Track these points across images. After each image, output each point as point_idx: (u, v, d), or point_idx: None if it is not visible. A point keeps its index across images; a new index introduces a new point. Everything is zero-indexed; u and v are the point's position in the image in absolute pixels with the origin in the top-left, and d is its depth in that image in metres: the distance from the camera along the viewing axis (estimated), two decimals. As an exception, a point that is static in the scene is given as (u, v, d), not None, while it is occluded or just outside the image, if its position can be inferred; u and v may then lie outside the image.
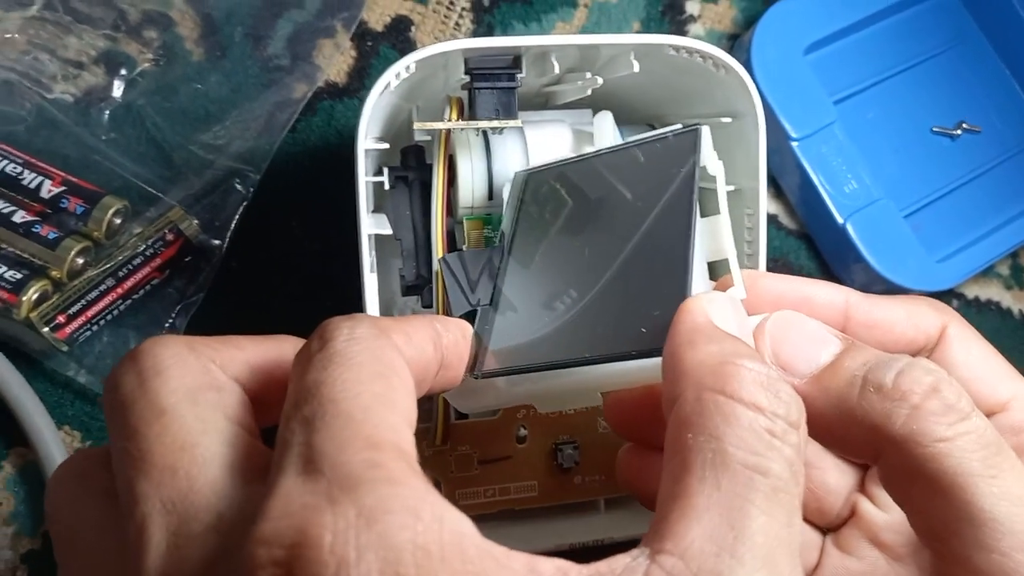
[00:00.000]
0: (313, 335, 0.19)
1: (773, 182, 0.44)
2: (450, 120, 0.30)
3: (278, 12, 0.40)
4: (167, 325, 0.37)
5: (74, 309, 0.34)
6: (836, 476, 0.26)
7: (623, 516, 0.34)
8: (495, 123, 0.30)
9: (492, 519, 0.33)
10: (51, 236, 0.35)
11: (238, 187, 0.37)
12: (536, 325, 0.25)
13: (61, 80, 0.39)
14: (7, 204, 0.35)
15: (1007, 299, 0.46)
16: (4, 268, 0.34)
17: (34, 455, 0.35)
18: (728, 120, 0.32)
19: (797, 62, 0.42)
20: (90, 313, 0.35)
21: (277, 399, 0.20)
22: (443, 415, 0.32)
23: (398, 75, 0.28)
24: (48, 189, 0.35)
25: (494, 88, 0.30)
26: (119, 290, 0.35)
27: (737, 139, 0.32)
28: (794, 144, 0.41)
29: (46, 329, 0.34)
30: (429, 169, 0.31)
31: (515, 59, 0.30)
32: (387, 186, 0.31)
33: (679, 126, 0.26)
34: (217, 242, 0.37)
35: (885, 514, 0.26)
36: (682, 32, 0.44)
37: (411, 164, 0.32)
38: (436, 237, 0.30)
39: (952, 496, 0.19)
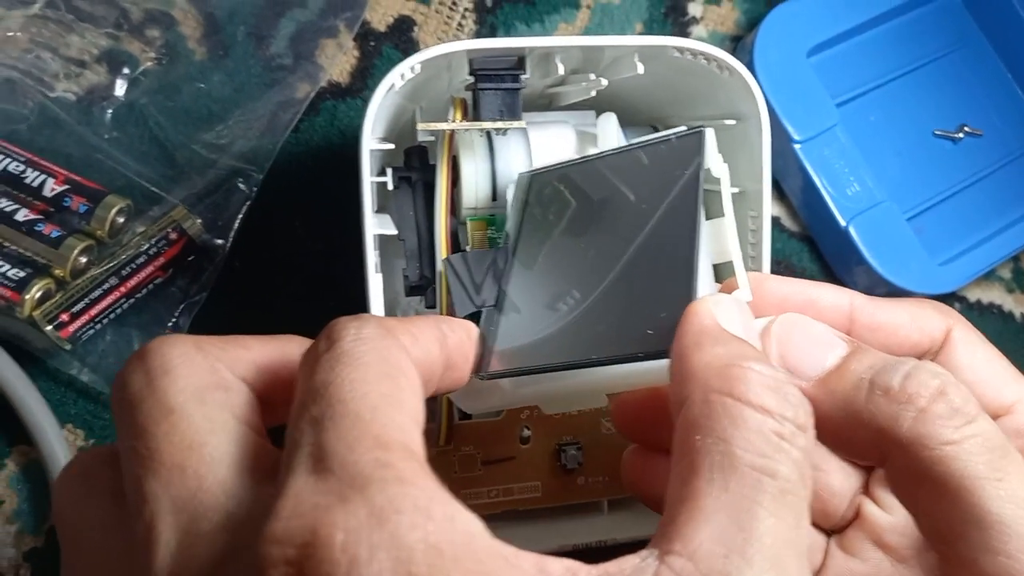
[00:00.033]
0: (320, 335, 0.19)
1: (775, 184, 0.44)
2: (454, 121, 0.30)
3: (281, 11, 0.40)
4: (170, 324, 0.37)
5: (77, 308, 0.34)
6: (840, 478, 0.26)
7: (626, 517, 0.34)
8: (499, 124, 0.30)
9: (495, 520, 0.33)
10: (54, 235, 0.35)
11: (241, 187, 0.37)
12: (541, 326, 0.25)
13: (63, 79, 0.39)
14: (10, 202, 0.35)
15: (1009, 302, 0.46)
16: (7, 266, 0.34)
17: (37, 453, 0.35)
18: (732, 122, 0.32)
19: (800, 64, 0.42)
20: (93, 312, 0.35)
21: (283, 399, 0.20)
22: (447, 416, 0.32)
23: (403, 76, 0.28)
24: (51, 188, 0.35)
25: (498, 89, 0.30)
26: (122, 289, 0.35)
27: (741, 141, 0.32)
28: (797, 146, 0.42)
29: (49, 327, 0.34)
30: (432, 170, 0.31)
31: (519, 60, 0.30)
32: (391, 186, 0.31)
33: (683, 128, 0.26)
34: (220, 241, 0.37)
35: (889, 516, 0.26)
36: (684, 34, 0.44)
37: (415, 165, 0.32)
38: (440, 238, 0.30)
39: (959, 499, 0.20)
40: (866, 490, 0.27)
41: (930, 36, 0.46)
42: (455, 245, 0.31)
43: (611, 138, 0.31)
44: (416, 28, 0.41)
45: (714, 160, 0.25)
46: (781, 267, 0.44)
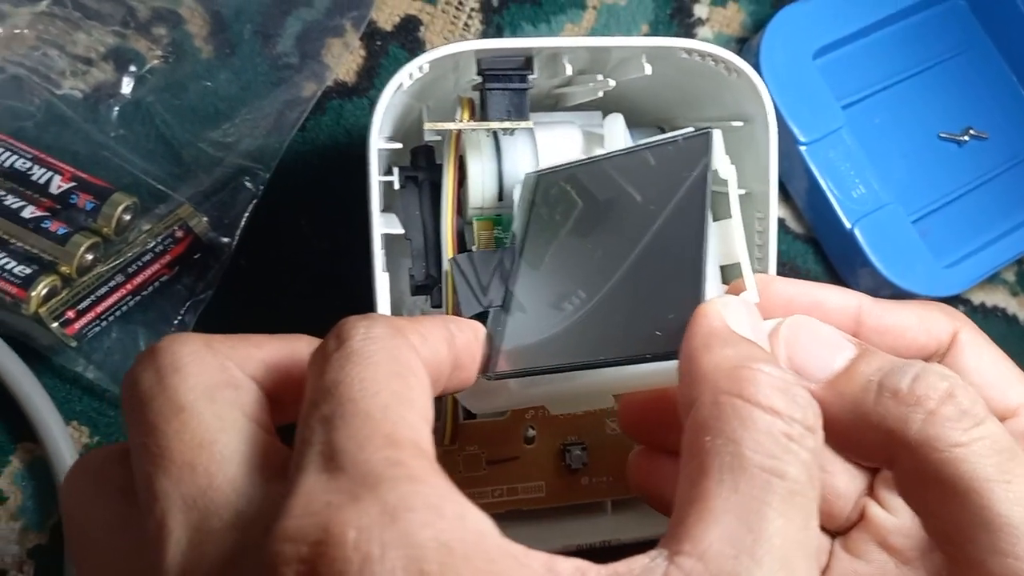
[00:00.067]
0: (330, 334, 0.19)
1: (780, 186, 0.44)
2: (461, 120, 0.30)
3: (287, 10, 0.40)
4: (176, 322, 0.37)
5: (83, 305, 0.34)
6: (846, 480, 0.26)
7: (630, 518, 0.34)
8: (506, 124, 0.30)
9: (499, 519, 0.33)
10: (60, 232, 0.35)
11: (248, 185, 0.38)
12: (548, 327, 0.25)
13: (70, 76, 0.39)
14: (17, 199, 0.35)
15: (1013, 305, 0.46)
16: (13, 263, 0.34)
17: (42, 450, 0.35)
18: (739, 124, 0.32)
19: (806, 66, 0.42)
20: (99, 309, 0.35)
21: (292, 397, 0.20)
22: (452, 415, 0.32)
23: (411, 75, 0.28)
24: (58, 185, 0.35)
25: (506, 89, 0.30)
26: (128, 286, 0.35)
27: (747, 143, 0.32)
28: (802, 148, 0.42)
29: (55, 324, 0.34)
30: (439, 169, 0.31)
31: (527, 60, 0.30)
32: (397, 186, 0.31)
33: (690, 129, 0.26)
34: (226, 240, 0.37)
35: (894, 518, 0.26)
36: (690, 35, 0.44)
37: (421, 164, 0.32)
38: (446, 237, 0.30)
39: (967, 501, 0.20)
40: (871, 492, 0.27)
41: (936, 39, 0.46)
42: (461, 245, 0.31)
43: (618, 139, 0.31)
44: (422, 28, 0.41)
45: (721, 161, 0.25)
46: (785, 269, 0.44)
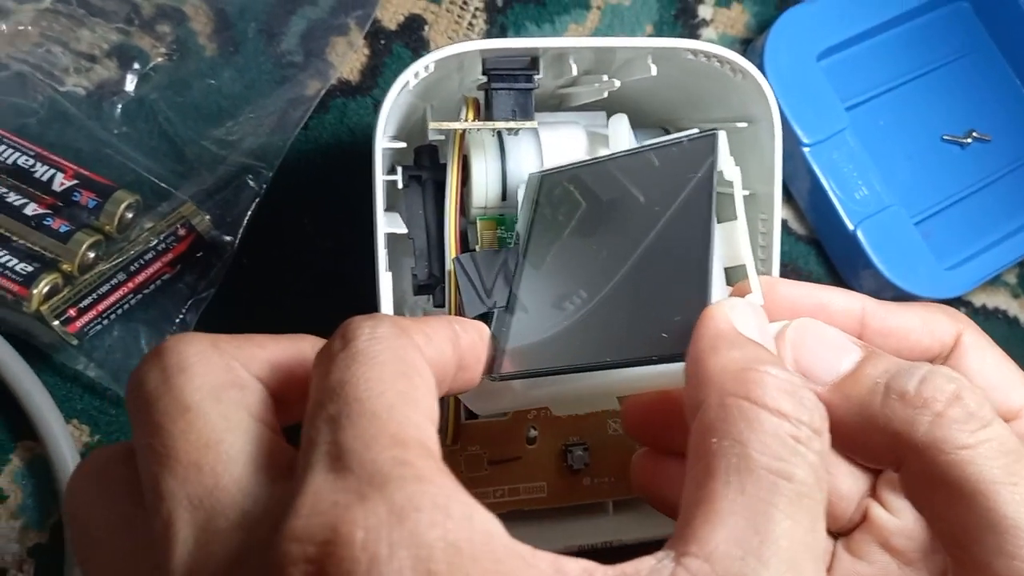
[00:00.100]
0: (335, 334, 0.19)
1: (783, 187, 0.44)
2: (466, 120, 0.30)
3: (292, 9, 0.40)
4: (178, 321, 0.37)
5: (85, 303, 0.34)
6: (848, 482, 0.26)
7: (632, 518, 0.34)
8: (512, 124, 0.30)
9: (501, 519, 0.33)
10: (63, 229, 0.35)
11: (251, 183, 0.37)
12: (552, 327, 0.25)
13: (73, 73, 0.38)
14: (19, 196, 0.35)
15: (1014, 308, 0.46)
16: (15, 261, 0.34)
17: (42, 449, 0.35)
18: (743, 125, 0.32)
19: (810, 68, 0.42)
20: (101, 307, 0.35)
21: (297, 397, 0.20)
22: (454, 415, 0.32)
23: (417, 74, 0.28)
24: (60, 182, 0.35)
25: (511, 89, 0.30)
26: (130, 285, 0.35)
27: (751, 144, 0.32)
28: (805, 150, 0.42)
29: (56, 322, 0.34)
30: (443, 169, 0.31)
31: (533, 60, 0.30)
32: (401, 185, 0.31)
33: (695, 131, 0.26)
34: (229, 238, 0.37)
35: (896, 519, 0.26)
36: (694, 36, 0.44)
37: (425, 163, 0.32)
38: (449, 237, 0.30)
39: (974, 503, 0.20)
40: (873, 493, 0.27)
41: (940, 41, 0.46)
42: (464, 244, 0.31)
43: (623, 139, 0.31)
44: (427, 27, 0.41)
45: (726, 163, 0.25)
46: (788, 270, 0.44)
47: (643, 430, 0.27)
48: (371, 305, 0.29)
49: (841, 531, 0.27)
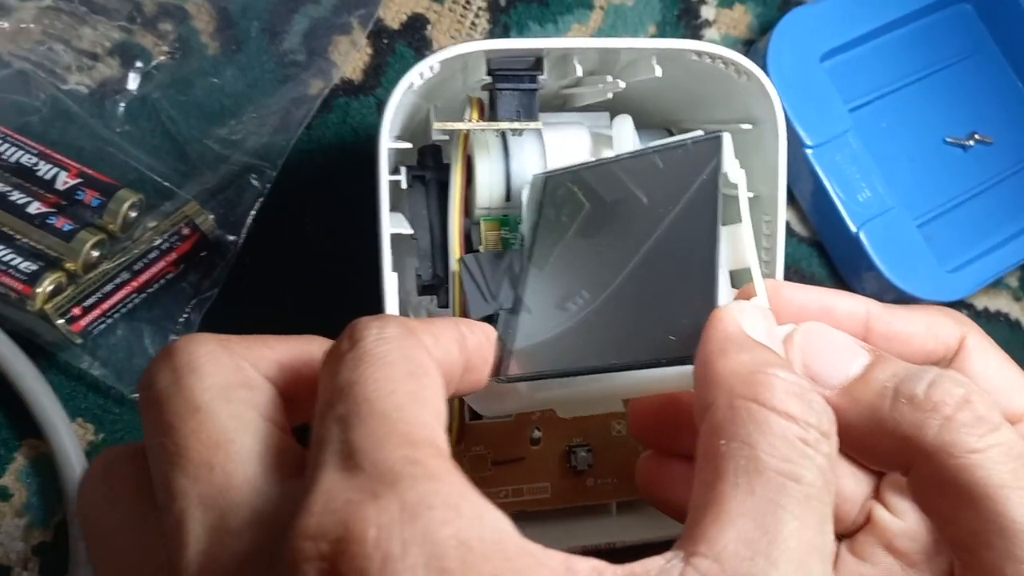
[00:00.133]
0: (342, 335, 0.19)
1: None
2: (470, 120, 0.30)
3: (294, 7, 0.40)
4: (181, 320, 0.36)
5: (89, 302, 0.34)
6: (852, 484, 0.26)
7: (635, 520, 0.34)
8: (516, 124, 0.30)
9: (505, 520, 0.33)
10: (66, 228, 0.34)
11: (254, 183, 0.37)
12: (560, 330, 0.25)
13: (76, 71, 0.38)
14: (22, 195, 0.35)
15: (1016, 310, 0.46)
16: (19, 259, 0.34)
17: (47, 447, 0.35)
18: (748, 127, 0.32)
19: (813, 69, 0.42)
20: (105, 306, 0.35)
21: (305, 397, 0.20)
22: (458, 415, 0.32)
23: (422, 75, 0.28)
24: (64, 181, 0.35)
25: (516, 89, 0.30)
26: (134, 283, 0.35)
27: (755, 146, 0.32)
28: (808, 151, 0.42)
29: (61, 321, 0.34)
30: (446, 169, 0.31)
31: (537, 61, 0.30)
32: (404, 185, 0.31)
33: (700, 132, 0.26)
34: (232, 237, 0.37)
35: (900, 521, 0.26)
36: (697, 37, 0.44)
37: (428, 164, 0.32)
38: (453, 237, 0.30)
39: (982, 507, 0.20)
40: (876, 495, 0.27)
41: (942, 43, 0.46)
42: (468, 245, 0.31)
43: (627, 140, 0.31)
44: (429, 26, 0.41)
45: (731, 165, 0.25)
46: (790, 272, 0.44)
47: (649, 432, 0.27)
48: (375, 305, 0.29)
49: (845, 533, 0.27)
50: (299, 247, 0.39)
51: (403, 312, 0.33)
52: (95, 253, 0.35)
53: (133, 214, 0.36)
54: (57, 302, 0.34)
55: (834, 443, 0.19)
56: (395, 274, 0.29)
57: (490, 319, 0.27)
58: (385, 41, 0.41)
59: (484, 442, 0.33)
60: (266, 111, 0.39)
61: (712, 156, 0.25)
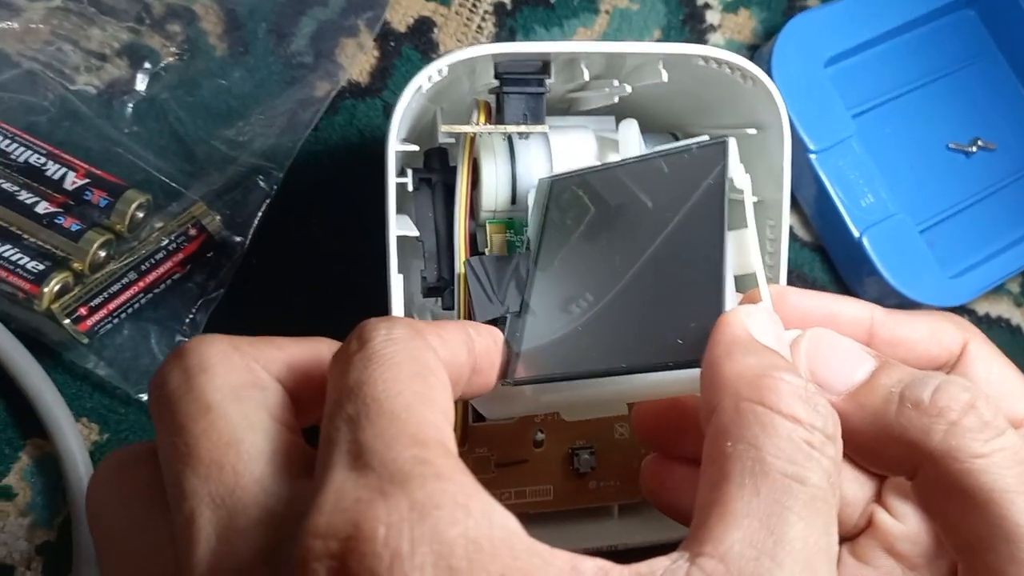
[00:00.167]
0: (351, 336, 0.19)
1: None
2: (478, 123, 0.30)
3: (302, 9, 0.40)
4: (187, 320, 0.37)
5: (96, 302, 0.34)
6: (854, 487, 0.27)
7: (637, 522, 0.34)
8: (523, 128, 0.30)
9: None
10: (74, 228, 0.35)
11: (261, 184, 0.38)
12: (566, 333, 0.25)
13: (84, 71, 0.39)
14: (30, 195, 0.35)
15: (1017, 316, 0.46)
16: (26, 259, 0.34)
17: (51, 447, 0.35)
18: (753, 131, 0.32)
19: (817, 74, 0.42)
20: (112, 306, 0.35)
21: (314, 398, 0.20)
22: (462, 417, 0.32)
23: (430, 78, 0.28)
24: (72, 181, 0.36)
25: (523, 93, 0.30)
26: (141, 284, 0.35)
27: (759, 150, 0.32)
28: (812, 156, 0.42)
29: (67, 321, 0.34)
30: (453, 171, 0.31)
31: (545, 64, 0.30)
32: (411, 187, 0.31)
33: (705, 137, 0.26)
34: (239, 239, 0.37)
35: (901, 524, 0.26)
36: (702, 41, 0.44)
37: (435, 166, 0.32)
38: (458, 240, 0.31)
39: (987, 512, 0.20)
40: (879, 499, 0.27)
41: (946, 49, 0.46)
42: (474, 247, 0.31)
43: (632, 145, 0.31)
44: (436, 29, 0.42)
45: (737, 170, 0.26)
46: (792, 276, 0.44)
47: (653, 435, 0.27)
48: (380, 307, 0.29)
49: (846, 536, 0.27)
50: (305, 248, 0.39)
51: (408, 314, 0.33)
52: (102, 253, 0.35)
53: (140, 215, 0.36)
54: (64, 302, 0.34)
55: (839, 446, 0.19)
56: (401, 276, 0.29)
57: (496, 322, 0.27)
58: (392, 44, 0.41)
59: (487, 444, 0.33)
60: (273, 113, 0.39)
61: (717, 161, 0.25)
